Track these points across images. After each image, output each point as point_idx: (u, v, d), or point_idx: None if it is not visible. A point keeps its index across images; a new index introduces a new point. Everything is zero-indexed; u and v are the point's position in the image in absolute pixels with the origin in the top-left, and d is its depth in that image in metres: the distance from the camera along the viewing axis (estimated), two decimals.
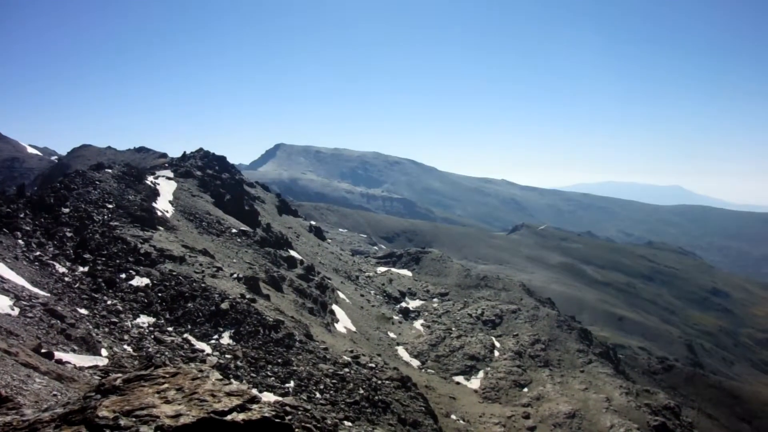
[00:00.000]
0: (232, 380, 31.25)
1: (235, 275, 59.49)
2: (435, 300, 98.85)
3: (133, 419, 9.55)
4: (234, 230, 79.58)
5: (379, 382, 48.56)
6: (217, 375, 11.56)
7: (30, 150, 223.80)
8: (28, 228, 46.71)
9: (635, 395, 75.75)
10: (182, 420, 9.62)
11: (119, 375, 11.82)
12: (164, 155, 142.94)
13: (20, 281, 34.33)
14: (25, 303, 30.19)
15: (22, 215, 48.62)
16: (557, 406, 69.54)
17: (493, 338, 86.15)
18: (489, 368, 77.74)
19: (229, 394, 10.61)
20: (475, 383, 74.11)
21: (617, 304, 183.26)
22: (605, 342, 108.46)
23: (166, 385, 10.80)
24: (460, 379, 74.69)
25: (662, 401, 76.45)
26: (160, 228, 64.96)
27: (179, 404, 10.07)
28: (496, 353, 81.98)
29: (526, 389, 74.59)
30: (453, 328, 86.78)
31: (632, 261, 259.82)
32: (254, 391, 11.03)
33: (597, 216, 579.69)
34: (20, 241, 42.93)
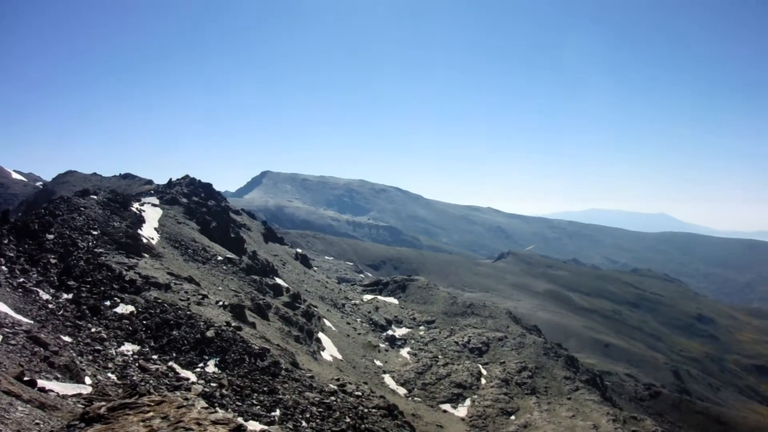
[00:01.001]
0: (218, 409, 30.85)
1: (220, 303, 59.10)
2: (421, 328, 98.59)
3: None
4: (220, 257, 79.26)
5: (366, 410, 48.18)
6: (202, 403, 11.43)
7: (15, 176, 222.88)
8: (11, 254, 46.30)
9: (622, 422, 75.59)
10: None
11: (103, 403, 11.64)
12: (150, 182, 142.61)
13: (3, 308, 33.93)
14: (7, 330, 29.81)
15: (5, 241, 48.23)
16: None
17: (480, 366, 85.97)
18: (476, 396, 77.50)
19: (215, 423, 10.47)
20: (462, 411, 73.81)
21: (603, 330, 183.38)
22: (592, 369, 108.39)
23: (151, 414, 10.65)
24: (446, 407, 74.39)
25: (649, 428, 76.33)
26: (146, 255, 64.56)
27: None
28: (483, 381, 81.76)
29: (513, 417, 74.33)
30: (439, 356, 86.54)
31: (618, 288, 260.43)
32: (240, 420, 10.88)
33: (582, 243, 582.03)
34: (3, 268, 42.54)
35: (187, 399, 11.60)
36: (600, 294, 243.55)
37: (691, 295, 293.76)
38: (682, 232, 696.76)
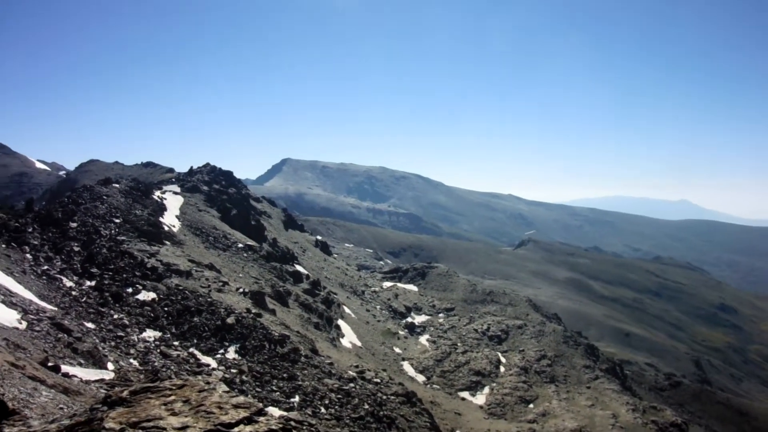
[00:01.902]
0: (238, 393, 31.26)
1: (241, 290, 59.51)
2: (441, 315, 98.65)
3: (140, 431, 9.57)
4: (240, 245, 79.70)
5: (384, 397, 48.42)
6: (224, 387, 11.54)
7: (38, 165, 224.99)
8: (36, 242, 46.93)
9: (642, 412, 75.27)
10: None
11: (126, 387, 11.85)
12: (171, 170, 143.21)
13: (28, 295, 34.46)
14: (32, 317, 30.30)
15: (30, 230, 48.86)
16: (563, 422, 69.13)
17: (499, 354, 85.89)
18: (494, 384, 77.46)
19: (236, 407, 10.58)
20: (480, 399, 73.81)
21: (624, 319, 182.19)
22: (612, 358, 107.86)
23: (173, 397, 10.77)
24: (465, 394, 74.40)
25: (669, 418, 75.90)
26: (167, 243, 65.08)
27: (186, 416, 10.06)
28: (502, 369, 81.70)
29: (531, 405, 74.25)
30: (459, 344, 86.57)
31: (639, 276, 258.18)
32: (260, 404, 11.05)
33: (604, 231, 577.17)
34: (28, 256, 43.15)
35: (208, 383, 11.74)
36: (621, 282, 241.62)
37: (714, 283, 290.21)
38: (705, 220, 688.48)
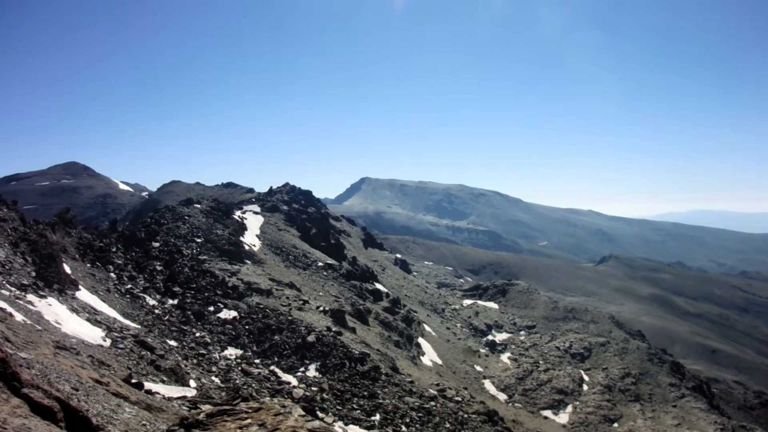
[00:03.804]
0: (318, 412, 30.78)
1: (321, 308, 59.51)
2: (522, 333, 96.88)
3: None
4: (320, 263, 79.99)
5: (466, 416, 47.40)
6: (299, 411, 11.29)
7: (122, 186, 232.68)
8: (119, 262, 47.95)
9: (731, 431, 72.21)
10: None
11: (203, 410, 11.69)
12: (251, 190, 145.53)
13: (112, 313, 35.02)
14: (116, 334, 30.68)
15: (114, 249, 50.00)
16: None
17: (582, 372, 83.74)
18: (578, 402, 75.55)
19: (311, 431, 10.29)
20: (563, 418, 72.03)
21: (710, 336, 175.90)
22: (698, 376, 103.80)
23: (248, 420, 10.66)
24: (548, 413, 72.70)
25: None
26: (248, 261, 65.77)
27: None
28: (585, 387, 79.62)
29: (616, 424, 72.14)
30: (540, 361, 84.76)
31: (725, 292, 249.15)
32: (337, 429, 10.71)
33: (687, 246, 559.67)
34: (112, 275, 44.05)
35: (284, 406, 11.47)
36: (706, 298, 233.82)
37: None
38: None
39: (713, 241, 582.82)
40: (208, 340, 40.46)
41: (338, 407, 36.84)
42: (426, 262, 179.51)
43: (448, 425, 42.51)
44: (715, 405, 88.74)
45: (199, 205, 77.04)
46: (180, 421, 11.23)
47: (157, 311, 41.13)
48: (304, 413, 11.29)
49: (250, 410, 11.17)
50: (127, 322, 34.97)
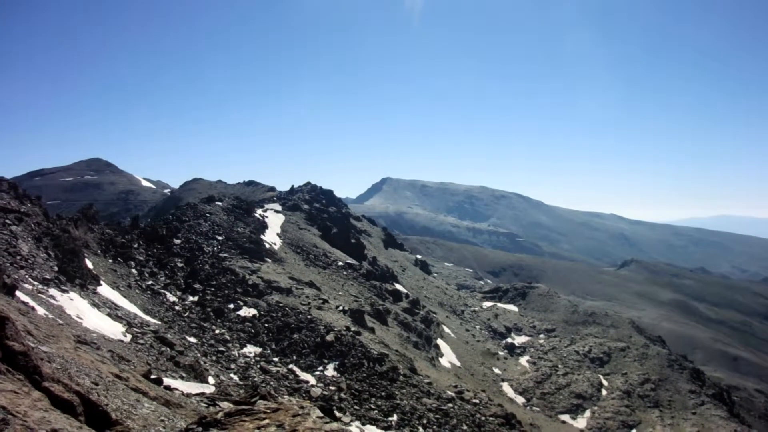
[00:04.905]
0: (336, 413, 30.77)
1: (340, 308, 59.54)
2: (541, 336, 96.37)
3: None
4: (340, 263, 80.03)
5: (483, 418, 47.21)
6: (318, 413, 11.30)
7: (144, 183, 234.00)
8: (141, 258, 48.25)
9: None
10: None
11: (221, 408, 11.74)
12: (273, 189, 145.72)
13: (133, 309, 35.25)
14: (137, 330, 30.87)
15: (136, 245, 50.31)
16: None
17: (601, 376, 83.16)
18: (596, 407, 75.06)
19: None
20: (581, 422, 71.61)
21: (732, 343, 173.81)
22: (719, 383, 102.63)
23: (267, 421, 10.68)
24: (566, 417, 72.30)
25: None
26: (268, 260, 65.94)
27: None
28: (604, 392, 79.07)
29: (634, 430, 71.72)
30: (559, 365, 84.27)
31: (748, 298, 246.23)
32: (355, 429, 10.71)
33: (710, 251, 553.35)
34: (134, 270, 44.34)
35: (302, 407, 11.49)
36: (729, 304, 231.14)
37: None
38: None
39: (736, 247, 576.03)
40: (228, 338, 40.62)
41: (356, 407, 36.84)
42: (446, 264, 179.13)
43: (465, 427, 42.39)
44: (736, 413, 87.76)
45: (220, 203, 77.39)
46: (198, 420, 11.27)
47: (177, 308, 41.36)
48: (322, 414, 11.30)
49: (268, 410, 11.19)
50: (147, 317, 35.18)
